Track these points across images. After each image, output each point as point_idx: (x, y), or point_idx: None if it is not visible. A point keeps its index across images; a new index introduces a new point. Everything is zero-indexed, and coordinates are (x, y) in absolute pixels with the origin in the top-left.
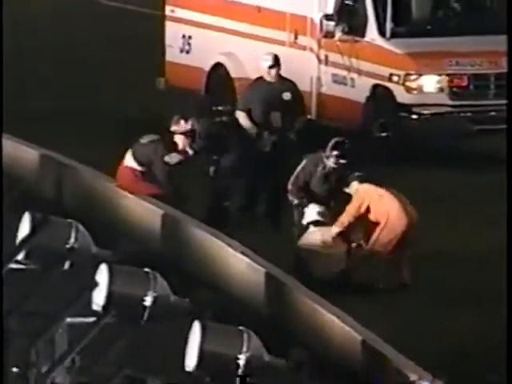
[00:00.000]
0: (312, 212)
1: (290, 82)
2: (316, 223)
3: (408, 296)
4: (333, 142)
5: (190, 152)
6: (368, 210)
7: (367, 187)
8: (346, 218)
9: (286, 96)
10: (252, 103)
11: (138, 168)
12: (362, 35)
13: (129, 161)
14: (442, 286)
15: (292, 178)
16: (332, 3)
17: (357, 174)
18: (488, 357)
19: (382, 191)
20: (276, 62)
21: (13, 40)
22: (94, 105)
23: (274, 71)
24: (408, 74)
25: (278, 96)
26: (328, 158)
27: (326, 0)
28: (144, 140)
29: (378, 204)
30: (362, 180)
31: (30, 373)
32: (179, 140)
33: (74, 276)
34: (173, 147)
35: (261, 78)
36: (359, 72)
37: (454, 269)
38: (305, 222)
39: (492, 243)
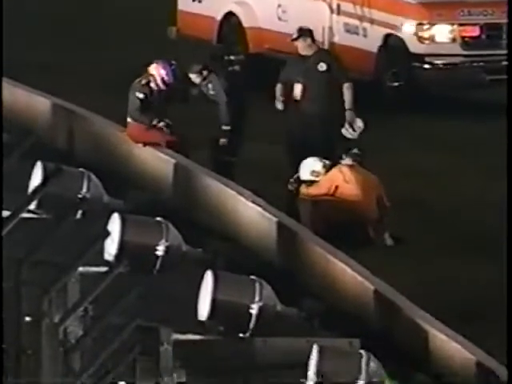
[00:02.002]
0: (308, 169)
1: (327, 52)
2: (310, 182)
3: (408, 247)
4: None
5: None
6: (336, 189)
7: (338, 170)
8: (315, 190)
9: (321, 67)
10: (286, 77)
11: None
12: None
13: (128, 116)
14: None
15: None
16: None
17: (354, 151)
18: (489, 306)
19: (349, 177)
20: (301, 34)
21: None
22: (104, 54)
23: (299, 44)
24: (420, 24)
25: (313, 68)
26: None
27: None
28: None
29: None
30: (354, 159)
31: (42, 322)
32: (151, 78)
33: (86, 225)
34: (146, 85)
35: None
36: (371, 21)
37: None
38: (301, 177)
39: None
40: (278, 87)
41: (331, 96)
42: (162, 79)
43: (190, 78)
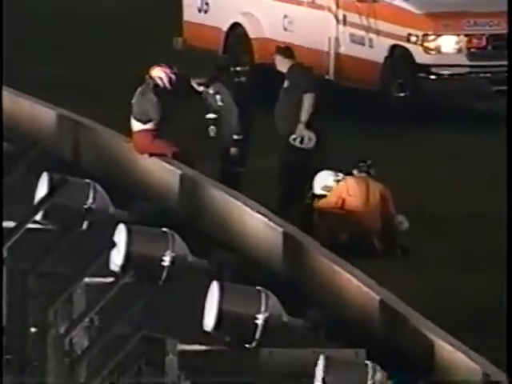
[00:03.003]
0: (320, 183)
1: (294, 67)
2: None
3: (411, 257)
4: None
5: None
6: (343, 201)
7: (344, 183)
8: (324, 204)
9: (284, 84)
10: None
11: (145, 127)
12: None
13: (134, 125)
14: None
15: None
16: None
17: (361, 164)
18: (489, 317)
19: (353, 190)
20: (276, 51)
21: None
22: (111, 65)
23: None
24: (426, 35)
25: (281, 87)
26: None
27: None
28: (133, 99)
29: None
30: (361, 171)
31: (48, 333)
32: (159, 80)
33: (91, 236)
34: (156, 87)
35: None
36: (377, 32)
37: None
38: (314, 191)
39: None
40: None
41: (295, 114)
42: (170, 79)
43: (194, 88)
